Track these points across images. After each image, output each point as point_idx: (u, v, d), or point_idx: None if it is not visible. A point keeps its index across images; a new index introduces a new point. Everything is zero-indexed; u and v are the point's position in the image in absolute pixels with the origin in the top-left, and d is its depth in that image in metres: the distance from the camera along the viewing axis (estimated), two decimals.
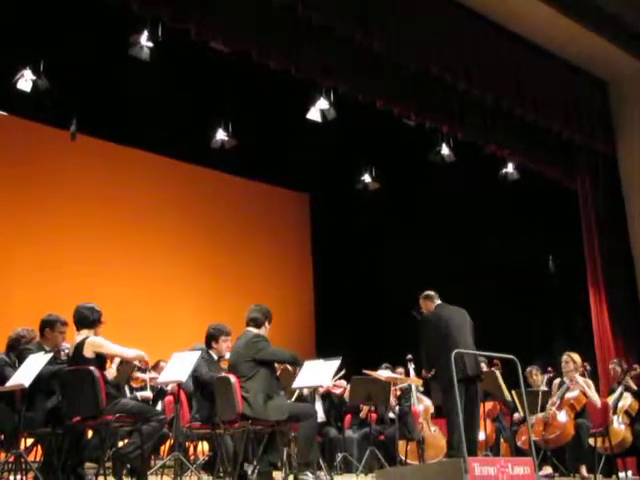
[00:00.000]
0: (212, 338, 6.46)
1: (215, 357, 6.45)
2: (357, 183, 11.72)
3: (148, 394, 7.50)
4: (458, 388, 5.74)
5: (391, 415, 7.96)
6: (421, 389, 8.13)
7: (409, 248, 11.99)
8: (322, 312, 13.46)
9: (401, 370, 8.31)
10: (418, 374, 7.96)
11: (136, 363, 5.98)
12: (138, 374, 7.55)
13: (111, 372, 5.72)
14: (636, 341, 9.04)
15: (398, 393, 8.08)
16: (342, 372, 7.60)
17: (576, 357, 7.39)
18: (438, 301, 6.59)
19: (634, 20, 8.79)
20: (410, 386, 8.20)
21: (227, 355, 6.28)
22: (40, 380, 5.28)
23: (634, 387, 7.45)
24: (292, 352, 5.79)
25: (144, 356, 5.64)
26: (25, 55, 8.40)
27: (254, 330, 5.75)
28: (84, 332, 5.43)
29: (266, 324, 5.82)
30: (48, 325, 5.74)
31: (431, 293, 6.66)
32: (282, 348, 5.88)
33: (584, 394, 7.16)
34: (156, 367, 7.99)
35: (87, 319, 5.44)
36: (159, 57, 7.78)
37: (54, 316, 5.79)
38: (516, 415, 7.98)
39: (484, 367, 7.87)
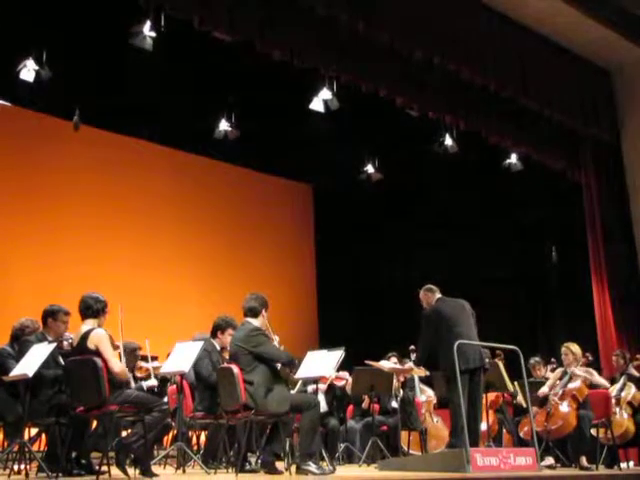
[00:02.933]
0: (219, 328, 6.51)
1: (218, 347, 6.49)
2: (360, 174, 11.71)
3: (153, 382, 7.51)
4: (461, 379, 5.74)
5: (394, 404, 7.95)
6: (427, 373, 8.07)
7: (411, 239, 12.00)
8: (325, 303, 13.48)
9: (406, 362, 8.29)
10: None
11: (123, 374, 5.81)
12: (142, 364, 7.57)
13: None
14: (638, 332, 9.04)
15: (402, 379, 8.07)
16: (342, 354, 7.45)
17: (575, 348, 7.37)
18: (439, 295, 6.50)
19: (637, 8, 8.74)
20: (413, 376, 8.20)
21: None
22: (43, 378, 5.32)
23: (637, 375, 7.45)
24: (288, 353, 5.75)
25: (126, 376, 5.53)
26: (28, 45, 8.39)
27: (253, 321, 5.73)
28: (89, 322, 5.43)
29: (263, 312, 5.78)
30: (51, 315, 5.74)
31: (432, 287, 6.58)
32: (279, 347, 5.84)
33: (588, 384, 7.15)
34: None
35: (91, 308, 5.44)
36: (162, 47, 7.76)
37: (57, 306, 5.80)
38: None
39: (486, 359, 7.86)
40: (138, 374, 7.66)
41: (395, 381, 7.75)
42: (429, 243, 11.57)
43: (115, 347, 5.58)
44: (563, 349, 7.35)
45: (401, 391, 7.88)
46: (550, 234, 10.75)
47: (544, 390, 7.27)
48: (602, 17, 8.51)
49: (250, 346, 5.55)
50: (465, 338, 5.95)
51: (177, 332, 8.22)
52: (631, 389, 7.39)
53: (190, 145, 11.74)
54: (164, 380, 7.72)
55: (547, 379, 7.69)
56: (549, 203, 10.60)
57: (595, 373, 7.35)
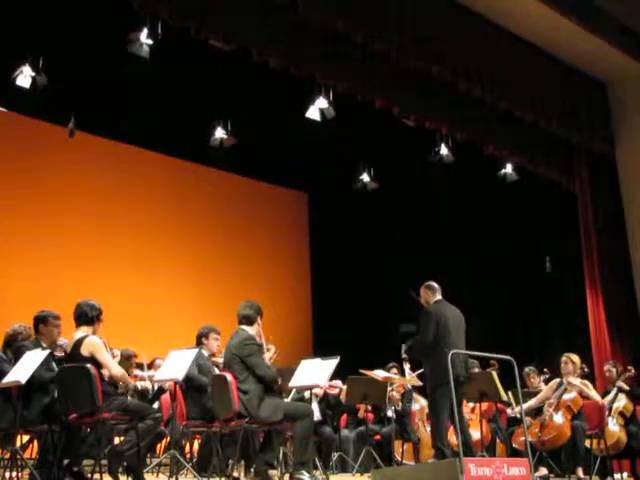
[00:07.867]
0: (202, 336, 6.57)
1: (206, 354, 6.50)
2: (356, 183, 11.71)
3: (147, 384, 7.48)
4: (444, 390, 5.75)
5: (389, 414, 7.94)
6: (419, 383, 8.05)
7: (407, 248, 12.00)
8: (320, 311, 13.46)
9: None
10: (413, 370, 7.93)
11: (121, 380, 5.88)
12: (137, 372, 7.54)
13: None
14: (633, 342, 9.05)
15: (402, 391, 8.06)
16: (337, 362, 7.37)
17: (575, 358, 7.38)
18: (439, 296, 6.50)
19: (633, 21, 8.79)
20: (410, 387, 8.19)
21: (218, 354, 6.33)
22: (38, 380, 5.30)
23: (627, 388, 7.47)
24: (274, 373, 5.72)
25: (127, 380, 5.73)
26: (24, 51, 8.39)
27: (248, 329, 5.73)
28: (83, 329, 5.43)
29: (258, 320, 5.81)
30: (41, 321, 5.73)
31: (434, 285, 6.54)
32: (268, 364, 5.80)
33: (583, 395, 7.15)
34: (152, 365, 7.97)
35: (85, 315, 5.45)
36: (158, 55, 7.76)
37: (46, 312, 5.79)
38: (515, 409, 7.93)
39: (476, 369, 7.86)
40: (132, 381, 7.63)
41: (395, 393, 7.74)
42: (425, 252, 11.56)
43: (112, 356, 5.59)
44: (563, 358, 7.35)
45: (400, 407, 7.86)
46: (544, 244, 10.76)
47: (531, 404, 7.28)
48: (598, 30, 8.55)
49: (242, 354, 5.56)
50: (456, 348, 5.94)
51: (170, 341, 8.18)
52: (622, 401, 7.39)
53: (185, 152, 11.74)
54: (158, 388, 7.69)
55: (540, 390, 7.70)
56: (543, 213, 10.62)
57: (591, 386, 7.36)
